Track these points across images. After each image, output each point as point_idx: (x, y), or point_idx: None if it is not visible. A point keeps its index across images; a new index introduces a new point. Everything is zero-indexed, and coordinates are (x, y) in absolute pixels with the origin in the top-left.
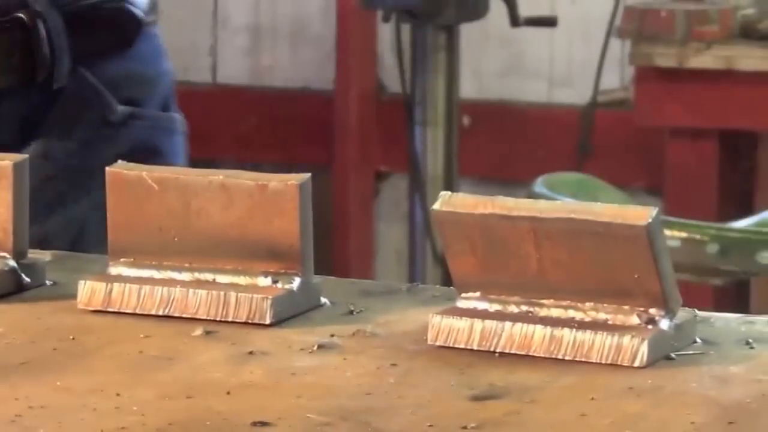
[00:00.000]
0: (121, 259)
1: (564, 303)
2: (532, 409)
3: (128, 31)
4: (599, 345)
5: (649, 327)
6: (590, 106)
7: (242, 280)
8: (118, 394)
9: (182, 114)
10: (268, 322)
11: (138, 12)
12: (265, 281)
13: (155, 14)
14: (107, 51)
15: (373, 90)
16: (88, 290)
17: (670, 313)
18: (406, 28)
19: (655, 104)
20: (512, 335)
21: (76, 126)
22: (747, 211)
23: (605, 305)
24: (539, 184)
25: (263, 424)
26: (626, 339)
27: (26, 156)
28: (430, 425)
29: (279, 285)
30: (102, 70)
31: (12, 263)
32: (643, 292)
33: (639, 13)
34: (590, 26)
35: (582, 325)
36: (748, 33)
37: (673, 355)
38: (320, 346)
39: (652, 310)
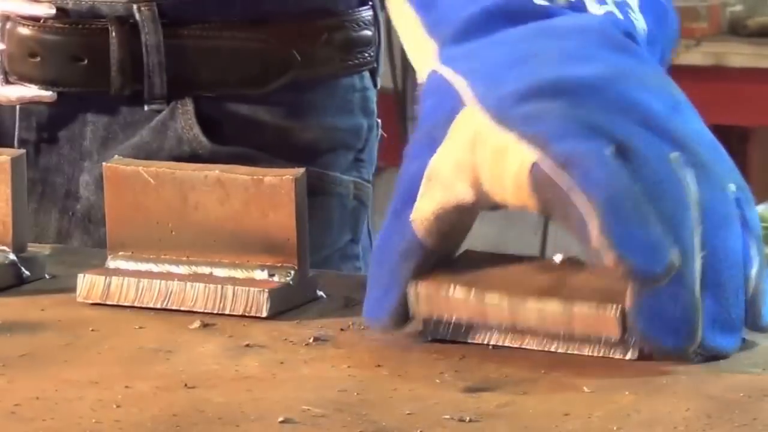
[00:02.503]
0: (120, 253)
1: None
2: (525, 401)
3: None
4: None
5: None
6: None
7: (239, 273)
8: (116, 386)
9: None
10: (264, 315)
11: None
12: (261, 275)
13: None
14: (236, 88)
15: None
16: (87, 283)
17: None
18: None
19: None
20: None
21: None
22: None
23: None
24: None
25: (260, 415)
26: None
27: (23, 151)
28: (425, 417)
29: (275, 278)
30: (211, 107)
31: (12, 257)
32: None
33: None
34: None
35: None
36: (737, 30)
37: None
38: (316, 339)
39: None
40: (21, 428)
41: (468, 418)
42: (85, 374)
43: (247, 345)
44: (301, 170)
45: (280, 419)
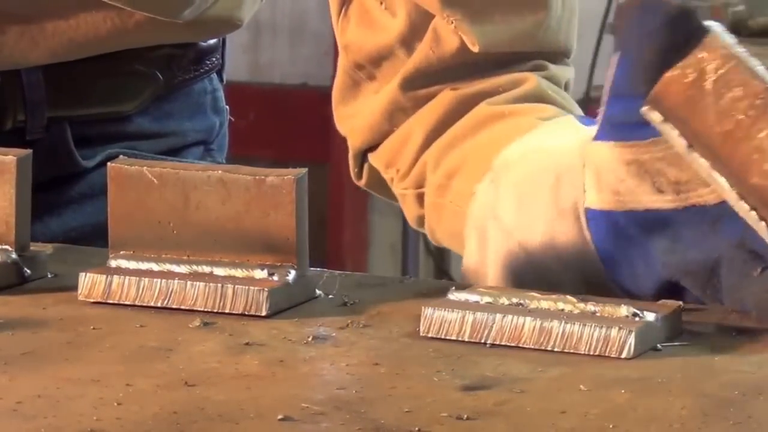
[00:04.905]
0: (121, 252)
1: (553, 296)
2: (522, 399)
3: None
4: (587, 337)
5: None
6: (584, 102)
7: (239, 272)
8: (117, 384)
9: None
10: (264, 313)
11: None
12: (261, 274)
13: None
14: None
15: None
16: (89, 282)
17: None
18: None
19: None
20: (502, 327)
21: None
22: None
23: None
24: None
25: (259, 413)
26: (614, 331)
27: (29, 151)
28: (423, 415)
29: (275, 277)
30: (84, 128)
31: (14, 256)
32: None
33: None
34: (583, 23)
35: (570, 317)
36: (739, 30)
37: (659, 346)
38: (315, 338)
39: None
40: (22, 426)
41: (465, 416)
42: (87, 372)
43: (247, 343)
44: (303, 170)
45: (280, 417)
